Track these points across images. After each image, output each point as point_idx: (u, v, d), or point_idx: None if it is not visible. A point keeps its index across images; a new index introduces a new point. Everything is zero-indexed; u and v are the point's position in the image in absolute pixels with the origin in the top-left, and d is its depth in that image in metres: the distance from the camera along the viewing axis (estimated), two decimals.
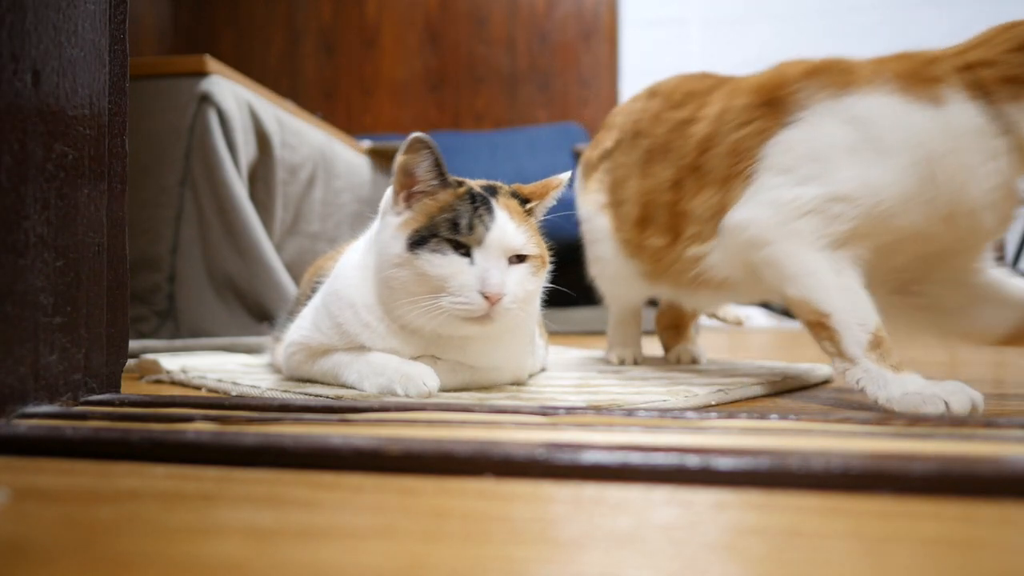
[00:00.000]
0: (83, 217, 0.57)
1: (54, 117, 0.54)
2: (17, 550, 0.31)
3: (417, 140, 0.71)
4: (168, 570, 0.29)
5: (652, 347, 1.26)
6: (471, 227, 0.71)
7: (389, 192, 0.78)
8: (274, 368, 0.96)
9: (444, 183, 0.75)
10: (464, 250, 0.72)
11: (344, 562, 0.29)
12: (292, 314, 0.94)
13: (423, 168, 0.74)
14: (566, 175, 0.84)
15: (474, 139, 3.91)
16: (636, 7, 3.96)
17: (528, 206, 0.80)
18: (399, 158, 0.73)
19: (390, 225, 0.75)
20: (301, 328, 0.84)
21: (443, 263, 0.71)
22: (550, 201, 0.82)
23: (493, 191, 0.78)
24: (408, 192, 0.75)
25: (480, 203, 0.74)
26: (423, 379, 0.72)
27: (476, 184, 0.78)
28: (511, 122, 4.10)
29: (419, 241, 0.71)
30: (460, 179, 0.78)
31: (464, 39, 4.16)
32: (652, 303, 1.28)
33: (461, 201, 0.74)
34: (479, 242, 0.72)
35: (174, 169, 1.52)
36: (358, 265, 0.80)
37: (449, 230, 0.71)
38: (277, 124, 1.72)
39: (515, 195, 0.80)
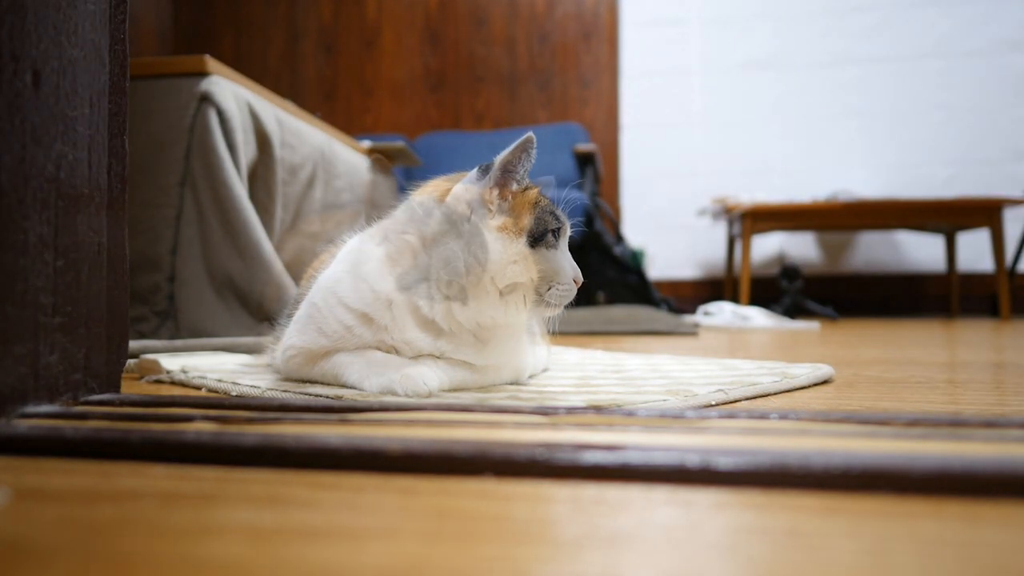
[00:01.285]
0: (83, 217, 0.57)
1: (54, 117, 0.54)
2: (17, 550, 0.31)
3: (531, 141, 0.75)
4: (168, 570, 0.29)
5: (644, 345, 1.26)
6: (564, 218, 0.79)
7: (466, 193, 0.77)
8: (273, 368, 0.96)
9: (528, 184, 0.79)
10: (556, 241, 0.78)
11: (344, 562, 0.29)
12: (291, 315, 0.93)
13: (524, 169, 0.77)
14: (550, 179, 0.88)
15: (474, 139, 3.91)
16: (636, 7, 3.96)
17: None
18: (506, 156, 0.76)
19: (488, 227, 0.76)
20: (302, 332, 0.83)
21: (555, 257, 0.77)
22: None
23: None
24: (501, 191, 0.77)
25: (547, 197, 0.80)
26: (423, 379, 0.72)
27: (533, 154, 0.81)
28: (511, 122, 4.10)
29: (538, 237, 0.76)
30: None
31: (464, 39, 4.16)
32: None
33: (542, 196, 0.79)
34: (565, 232, 0.80)
35: (174, 169, 1.52)
36: (381, 259, 0.80)
37: (555, 221, 0.77)
38: (277, 124, 1.72)
39: None
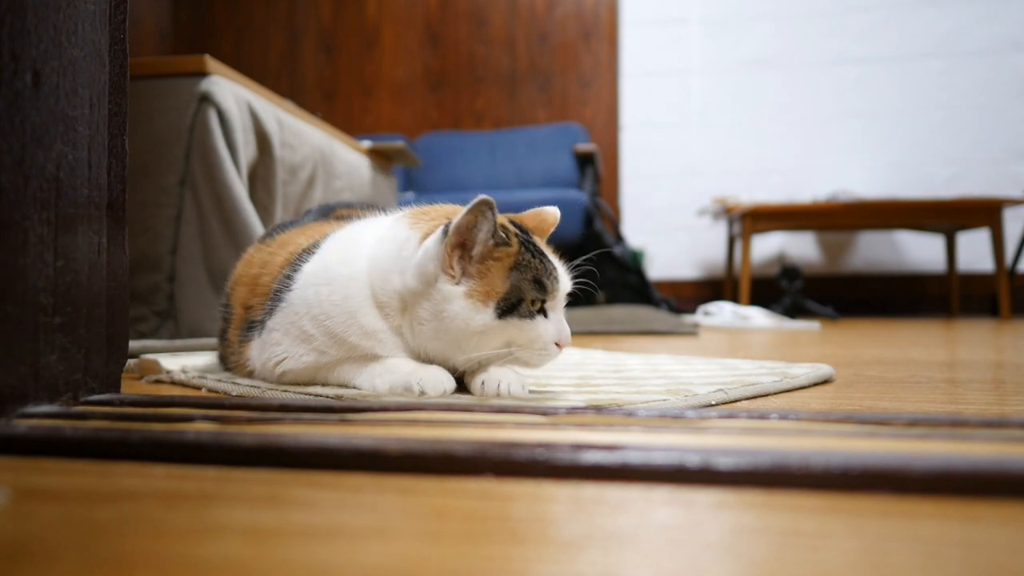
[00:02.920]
0: (83, 217, 0.57)
1: (54, 117, 0.54)
2: (17, 550, 0.31)
3: (487, 203, 0.69)
4: (168, 570, 0.29)
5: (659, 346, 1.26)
6: (552, 286, 0.73)
7: (433, 250, 0.72)
8: (240, 372, 0.90)
9: (499, 241, 0.72)
10: (542, 306, 0.73)
11: (344, 562, 0.29)
12: (268, 315, 0.86)
13: (486, 231, 0.71)
14: (555, 209, 0.83)
15: (474, 139, 3.91)
16: (636, 7, 3.96)
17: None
18: (459, 220, 0.70)
19: (455, 295, 0.71)
20: (295, 350, 0.79)
21: (532, 327, 0.72)
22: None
23: (527, 233, 0.77)
24: (462, 254, 0.72)
25: (539, 254, 0.74)
26: (440, 380, 0.72)
27: (511, 227, 0.75)
28: (511, 122, 4.10)
29: (509, 309, 0.71)
30: (504, 227, 0.74)
31: (464, 39, 4.16)
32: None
33: (525, 256, 0.73)
34: (555, 297, 0.74)
35: (174, 169, 1.52)
36: (367, 297, 0.77)
37: (536, 291, 0.72)
38: (277, 124, 1.72)
39: (532, 232, 0.80)
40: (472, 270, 0.72)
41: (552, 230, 0.84)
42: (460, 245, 0.71)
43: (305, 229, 0.96)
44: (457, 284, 0.71)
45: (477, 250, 0.71)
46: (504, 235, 0.73)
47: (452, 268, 0.71)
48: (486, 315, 0.71)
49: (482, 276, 0.72)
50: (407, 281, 0.74)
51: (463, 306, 0.71)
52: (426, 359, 0.77)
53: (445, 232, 0.71)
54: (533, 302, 0.72)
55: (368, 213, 0.93)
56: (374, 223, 0.85)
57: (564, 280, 0.76)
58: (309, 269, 0.81)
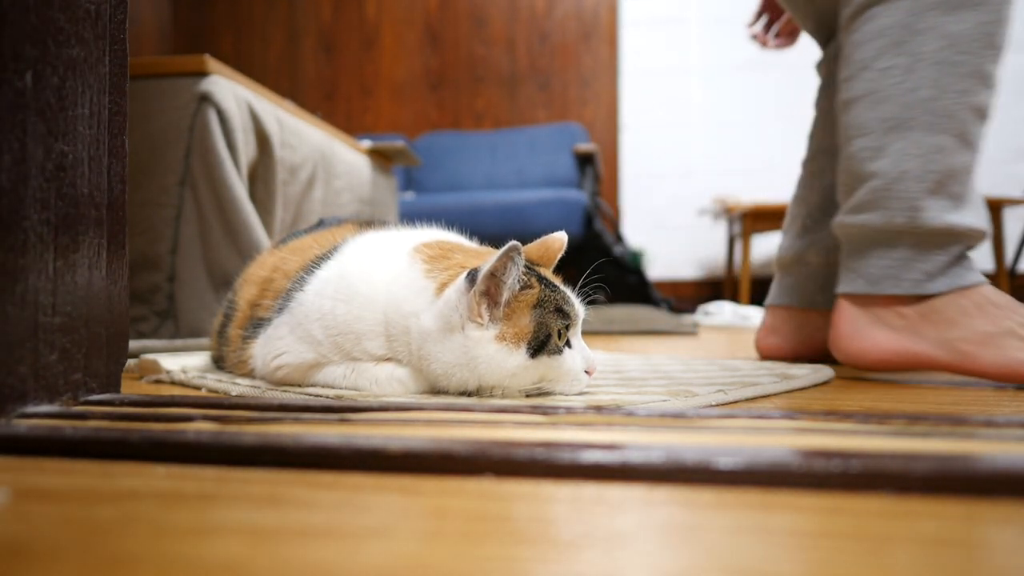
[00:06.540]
0: (83, 217, 0.57)
1: (54, 117, 0.54)
2: (17, 550, 0.31)
3: (516, 248, 0.67)
4: (168, 570, 0.29)
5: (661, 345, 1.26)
6: (572, 313, 0.74)
7: (456, 300, 0.70)
8: (236, 372, 0.91)
9: (523, 284, 0.72)
10: (567, 339, 0.74)
11: (344, 562, 0.29)
12: (270, 319, 0.87)
13: (513, 276, 0.69)
14: (563, 235, 0.83)
15: (474, 139, 3.91)
16: (636, 7, 3.96)
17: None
18: (491, 266, 0.68)
19: (486, 338, 0.70)
20: (301, 350, 0.79)
21: (561, 360, 0.72)
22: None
23: (533, 266, 0.77)
24: (488, 301, 0.70)
25: (554, 287, 0.74)
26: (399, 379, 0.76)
27: (520, 261, 0.73)
28: (511, 122, 4.10)
29: (539, 347, 0.71)
30: (526, 266, 0.73)
31: (464, 39, 4.16)
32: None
33: (545, 292, 0.72)
34: (575, 324, 0.75)
35: (174, 169, 1.52)
36: (371, 316, 0.76)
37: (560, 320, 0.72)
38: (277, 124, 1.72)
39: (538, 263, 0.80)
40: (499, 313, 0.71)
41: (559, 256, 0.83)
42: (486, 292, 0.70)
43: (319, 237, 0.96)
44: (486, 328, 0.70)
45: (505, 296, 0.70)
46: (526, 278, 0.72)
47: (480, 316, 0.70)
48: (519, 356, 0.70)
49: (508, 318, 0.71)
50: (424, 327, 0.73)
51: (496, 349, 0.70)
52: (431, 388, 0.77)
53: (470, 281, 0.70)
54: (560, 334, 0.72)
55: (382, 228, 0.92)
56: (394, 242, 0.83)
57: (579, 307, 0.76)
58: (327, 276, 0.80)
